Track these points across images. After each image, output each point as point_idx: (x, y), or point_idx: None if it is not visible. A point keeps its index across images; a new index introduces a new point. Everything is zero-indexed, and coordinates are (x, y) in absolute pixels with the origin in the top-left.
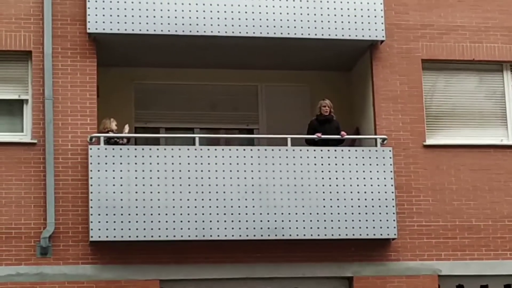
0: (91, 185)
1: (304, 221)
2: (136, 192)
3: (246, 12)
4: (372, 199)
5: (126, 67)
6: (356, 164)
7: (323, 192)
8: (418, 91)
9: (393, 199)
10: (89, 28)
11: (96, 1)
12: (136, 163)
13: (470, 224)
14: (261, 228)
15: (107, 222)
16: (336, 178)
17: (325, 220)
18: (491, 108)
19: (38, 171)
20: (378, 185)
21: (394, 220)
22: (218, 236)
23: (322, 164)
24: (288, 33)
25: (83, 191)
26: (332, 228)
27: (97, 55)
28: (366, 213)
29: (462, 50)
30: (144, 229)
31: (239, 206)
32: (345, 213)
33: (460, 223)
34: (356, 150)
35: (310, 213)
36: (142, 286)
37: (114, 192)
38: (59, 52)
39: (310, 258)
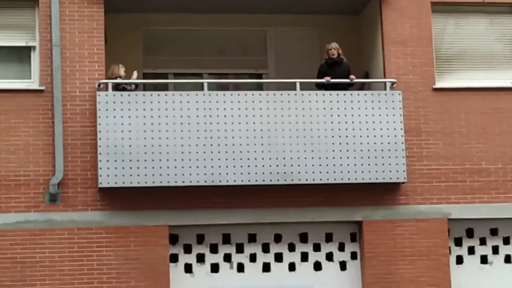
0: (100, 132)
1: (313, 165)
2: (145, 138)
3: None
4: (382, 143)
5: (133, 13)
6: (366, 108)
7: (332, 137)
8: (427, 34)
9: (402, 143)
10: None
11: None
12: (144, 109)
13: (480, 167)
14: (270, 173)
15: (115, 168)
16: (346, 122)
17: (334, 165)
18: (502, 51)
19: (47, 118)
20: (388, 129)
21: (403, 164)
22: (227, 181)
23: (331, 108)
24: None
25: (91, 138)
26: (341, 172)
27: (104, 0)
28: (376, 157)
29: None
30: (153, 175)
31: (248, 151)
32: (355, 157)
33: (470, 166)
34: (365, 94)
35: (319, 158)
36: (152, 231)
37: (122, 139)
38: None
39: (319, 202)
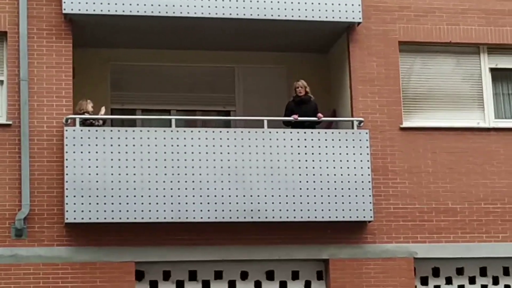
0: (67, 167)
1: (280, 203)
2: (112, 174)
3: None
4: (349, 182)
5: (102, 48)
6: (333, 147)
7: (300, 175)
8: (395, 73)
9: (369, 182)
10: (64, 9)
11: None
12: (112, 145)
13: (447, 207)
14: (237, 210)
15: (82, 204)
16: (313, 161)
17: (301, 203)
18: (468, 91)
19: (13, 152)
20: (355, 168)
21: (370, 203)
22: (194, 218)
23: (298, 146)
24: (265, 15)
25: (58, 173)
26: (308, 210)
27: (72, 35)
28: (343, 196)
29: (439, 32)
30: (120, 211)
31: (215, 188)
32: (322, 196)
33: (437, 206)
34: (332, 133)
35: (287, 195)
36: (118, 268)
37: (89, 174)
38: (34, 32)
39: (286, 240)
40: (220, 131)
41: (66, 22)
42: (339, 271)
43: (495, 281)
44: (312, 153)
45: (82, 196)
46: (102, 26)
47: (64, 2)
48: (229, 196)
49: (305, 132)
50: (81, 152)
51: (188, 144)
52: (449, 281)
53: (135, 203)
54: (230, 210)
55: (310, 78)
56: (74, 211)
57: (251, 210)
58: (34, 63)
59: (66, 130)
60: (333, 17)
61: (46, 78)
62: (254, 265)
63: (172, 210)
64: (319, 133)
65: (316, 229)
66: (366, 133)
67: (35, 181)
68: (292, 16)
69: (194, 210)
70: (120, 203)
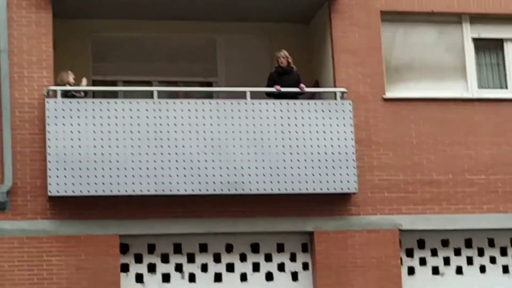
0: (49, 139)
1: (264, 175)
2: (94, 146)
3: None
4: (332, 153)
5: (82, 19)
6: (316, 118)
7: (283, 146)
8: (377, 44)
9: (353, 153)
10: None
11: None
12: (94, 117)
13: (431, 178)
14: (221, 183)
15: (65, 177)
16: (296, 132)
17: (285, 175)
18: (451, 61)
19: None
20: (338, 139)
21: (354, 174)
22: (178, 190)
23: (281, 118)
24: None
25: (40, 145)
26: (292, 182)
27: (53, 6)
28: (326, 167)
29: (421, 1)
30: (103, 183)
31: (198, 160)
32: (305, 167)
33: (421, 177)
34: (315, 103)
35: (270, 167)
36: (102, 241)
37: (72, 146)
38: (14, 3)
39: (270, 213)
40: (203, 103)
41: None
42: (324, 243)
43: (480, 252)
44: (295, 124)
45: (65, 169)
46: None
47: None
48: (213, 168)
49: (288, 103)
50: (63, 124)
51: (170, 115)
52: (434, 252)
53: (118, 176)
54: (214, 183)
55: (292, 48)
56: (57, 184)
57: (235, 182)
58: (14, 34)
59: (48, 102)
60: None
61: (26, 50)
62: (239, 238)
63: (155, 183)
64: (302, 104)
65: (301, 201)
66: (349, 104)
67: (17, 154)
68: None
69: (178, 183)
70: (103, 176)
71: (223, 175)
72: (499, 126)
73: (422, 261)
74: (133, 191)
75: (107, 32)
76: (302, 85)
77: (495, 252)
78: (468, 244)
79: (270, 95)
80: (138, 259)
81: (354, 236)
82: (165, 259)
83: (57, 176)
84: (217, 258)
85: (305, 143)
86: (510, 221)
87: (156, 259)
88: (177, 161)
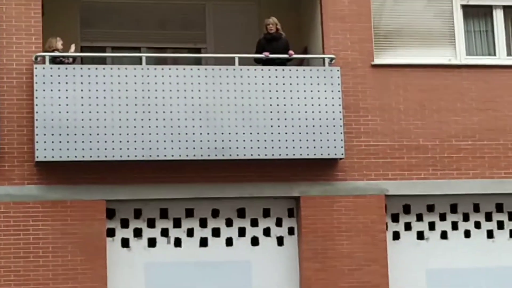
0: (37, 105)
1: (251, 140)
2: (82, 112)
3: None
4: (320, 119)
5: None
6: (304, 84)
7: (271, 112)
8: (366, 10)
9: (340, 119)
10: None
11: None
12: (82, 83)
13: (418, 144)
14: (208, 148)
15: (52, 142)
16: (284, 98)
17: (272, 140)
18: (440, 28)
19: None
20: (326, 105)
21: (341, 140)
22: (165, 156)
23: (270, 84)
24: None
25: (28, 111)
26: (279, 148)
27: None
28: (314, 133)
29: None
30: (90, 149)
31: (186, 126)
32: (293, 133)
33: (408, 143)
34: (304, 70)
35: (258, 133)
36: (89, 206)
37: (60, 112)
38: None
39: (257, 178)
40: (191, 69)
41: None
42: (310, 208)
43: (466, 217)
44: (284, 90)
45: (53, 135)
46: None
47: None
48: (200, 133)
49: (276, 70)
50: (51, 90)
51: (158, 81)
52: (419, 218)
53: (105, 141)
54: (201, 148)
55: (281, 15)
56: (45, 149)
57: (222, 148)
58: (3, 1)
59: (36, 68)
60: None
61: (15, 16)
62: (225, 203)
63: (143, 148)
64: (290, 70)
65: (287, 167)
66: (338, 70)
67: (5, 119)
68: None
69: (165, 148)
70: (90, 141)
71: (210, 140)
72: (487, 93)
73: (407, 226)
74: (120, 156)
75: None
76: (290, 51)
77: (480, 217)
78: (454, 209)
79: (258, 62)
80: (124, 224)
81: (340, 201)
82: (151, 224)
83: (45, 142)
84: (203, 223)
85: (293, 108)
86: (495, 187)
87: (142, 224)
88: (164, 126)
